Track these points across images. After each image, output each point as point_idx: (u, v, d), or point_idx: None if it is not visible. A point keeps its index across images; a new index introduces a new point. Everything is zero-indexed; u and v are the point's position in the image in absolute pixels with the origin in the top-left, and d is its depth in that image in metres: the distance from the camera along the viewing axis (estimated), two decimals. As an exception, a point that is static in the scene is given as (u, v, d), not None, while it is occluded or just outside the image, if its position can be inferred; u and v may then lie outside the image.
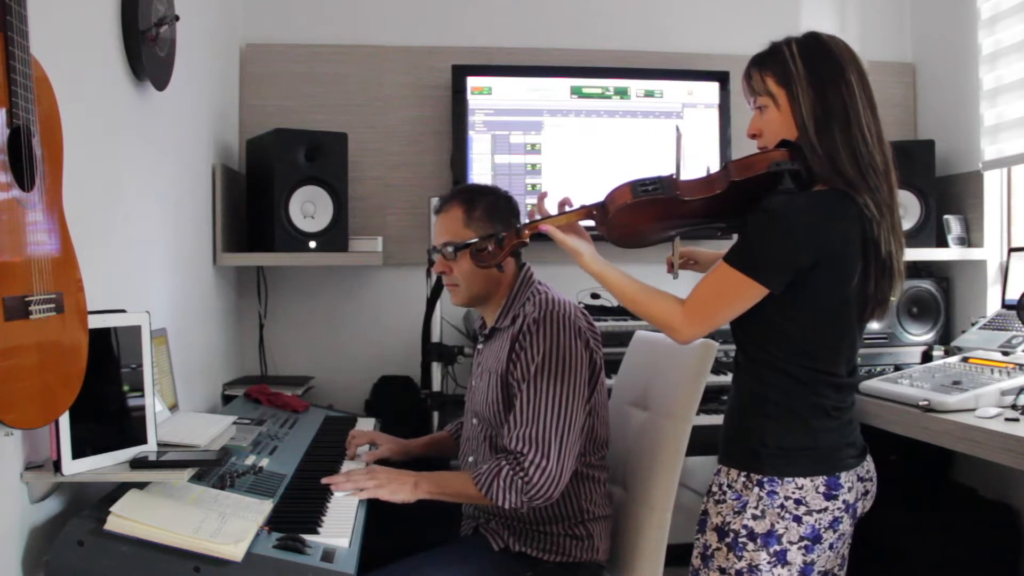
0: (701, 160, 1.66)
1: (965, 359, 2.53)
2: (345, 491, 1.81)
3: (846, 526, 1.58)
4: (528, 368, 1.86)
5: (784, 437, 1.55)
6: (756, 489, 1.54)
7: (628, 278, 1.65)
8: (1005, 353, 2.50)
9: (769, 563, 1.52)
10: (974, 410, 2.16)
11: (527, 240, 1.70)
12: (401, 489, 1.84)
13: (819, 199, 1.54)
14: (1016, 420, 2.05)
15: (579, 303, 1.99)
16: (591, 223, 1.69)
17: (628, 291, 1.63)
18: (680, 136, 1.75)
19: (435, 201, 2.87)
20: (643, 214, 1.63)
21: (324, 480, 1.84)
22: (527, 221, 1.71)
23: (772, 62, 1.59)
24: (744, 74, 1.64)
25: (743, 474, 1.57)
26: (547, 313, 1.88)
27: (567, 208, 1.70)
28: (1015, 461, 1.93)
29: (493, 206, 2.01)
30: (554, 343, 1.86)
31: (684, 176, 1.65)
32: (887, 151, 1.57)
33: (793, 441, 1.55)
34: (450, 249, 1.96)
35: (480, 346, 2.10)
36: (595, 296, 3.05)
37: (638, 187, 1.60)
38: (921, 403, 2.26)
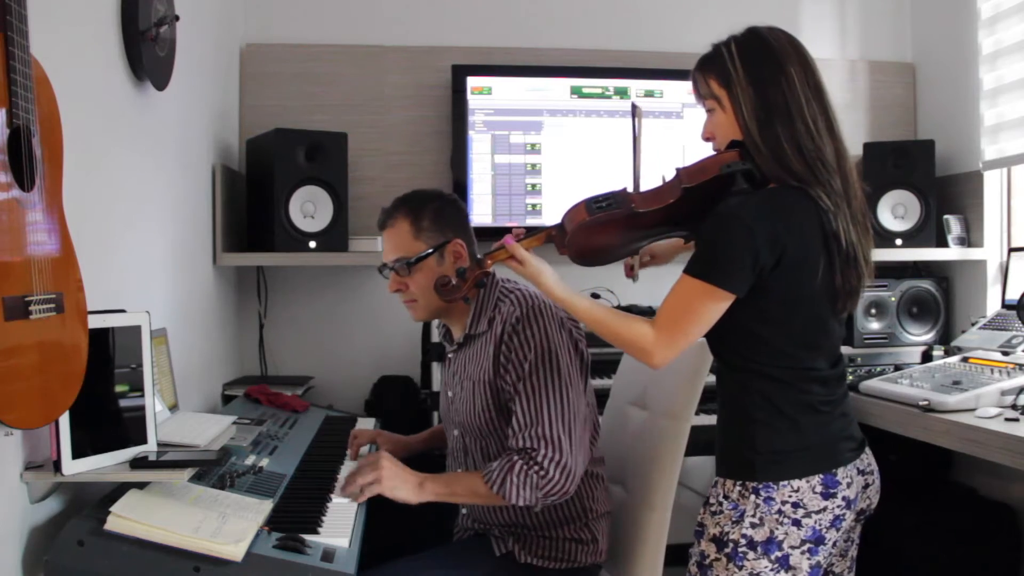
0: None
1: (965, 359, 2.53)
2: (349, 495, 1.77)
3: (849, 523, 1.56)
4: (521, 367, 1.80)
5: (774, 440, 1.53)
6: (752, 497, 1.52)
7: (593, 303, 1.62)
8: (1005, 353, 2.50)
9: (772, 570, 1.50)
10: (974, 410, 2.16)
11: (490, 270, 1.67)
12: (403, 487, 1.78)
13: (772, 196, 1.53)
14: (1016, 420, 2.05)
15: None
16: (552, 246, 1.66)
17: (596, 316, 1.59)
18: (638, 110, 1.73)
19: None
20: (601, 231, 1.61)
21: (336, 496, 1.78)
22: (489, 250, 1.67)
23: (713, 64, 1.58)
24: (691, 78, 1.63)
25: (738, 483, 1.54)
26: (529, 309, 1.83)
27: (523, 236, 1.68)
28: (1015, 461, 1.93)
29: (440, 212, 1.95)
30: (542, 338, 1.81)
31: (640, 185, 1.64)
32: (839, 140, 1.54)
33: (784, 443, 1.53)
34: (402, 265, 1.91)
35: (450, 356, 2.03)
36: (595, 295, 3.05)
37: (592, 204, 1.59)
38: (921, 403, 2.26)
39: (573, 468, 1.76)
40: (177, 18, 2.14)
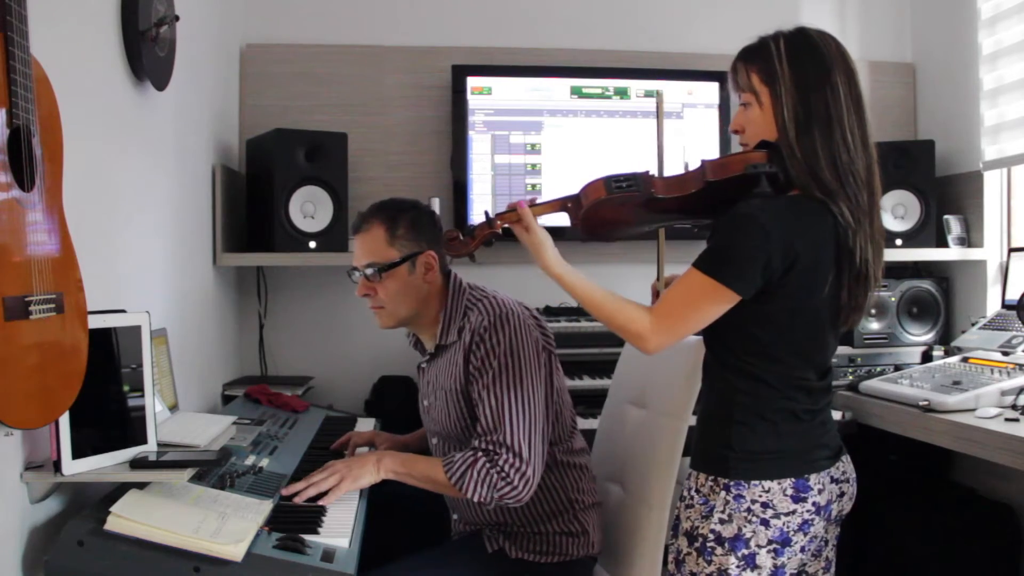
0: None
1: (965, 359, 2.53)
2: (308, 496, 1.74)
3: (819, 529, 1.55)
4: (486, 374, 1.82)
5: (751, 441, 1.53)
6: (723, 493, 1.52)
7: (591, 282, 1.60)
8: (1005, 353, 2.50)
9: (738, 567, 1.50)
10: (974, 410, 2.16)
11: (500, 230, 1.66)
12: (364, 473, 1.80)
13: (794, 204, 1.51)
14: (1016, 420, 2.05)
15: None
16: (564, 216, 1.66)
17: (593, 296, 1.58)
18: (660, 100, 1.75)
19: (436, 200, 2.88)
20: (616, 210, 1.61)
21: (284, 492, 1.75)
22: (501, 211, 1.67)
23: (758, 58, 1.55)
24: (731, 67, 1.60)
25: (710, 478, 1.54)
26: (497, 318, 1.85)
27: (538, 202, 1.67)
28: (1015, 461, 1.93)
29: (416, 222, 1.95)
30: (508, 347, 1.83)
31: (664, 170, 1.64)
32: (872, 154, 1.53)
33: (760, 445, 1.52)
34: (373, 271, 1.91)
35: (424, 365, 2.04)
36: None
37: (612, 183, 1.58)
38: (921, 403, 2.26)
39: (532, 477, 1.78)
40: (177, 18, 2.14)
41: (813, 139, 1.49)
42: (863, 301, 1.55)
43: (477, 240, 1.67)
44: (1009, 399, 2.17)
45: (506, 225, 1.66)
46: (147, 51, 2.00)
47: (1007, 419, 2.07)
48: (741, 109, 1.59)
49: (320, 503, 1.73)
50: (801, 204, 1.51)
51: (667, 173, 1.66)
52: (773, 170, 1.52)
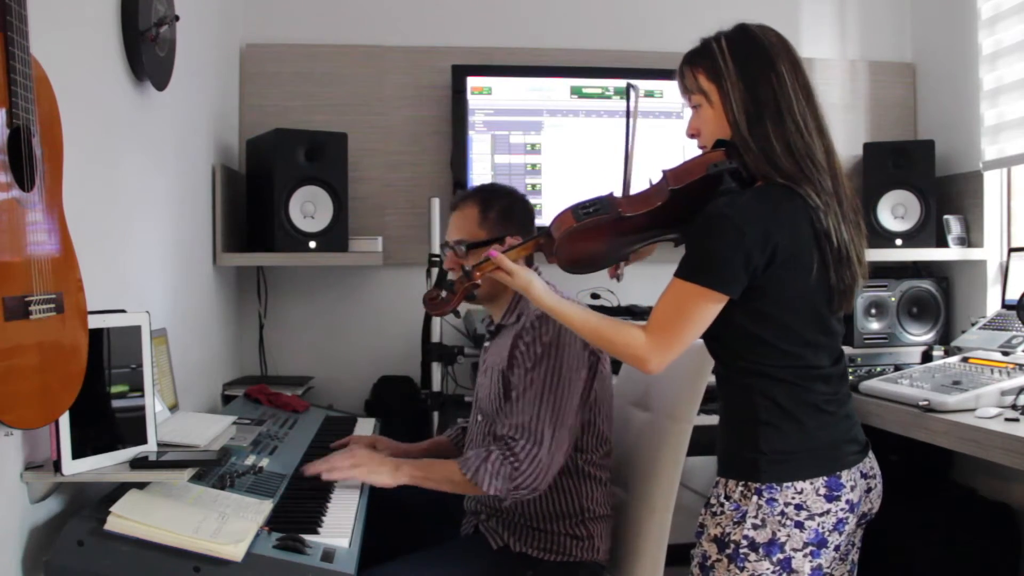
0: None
1: (965, 359, 2.53)
2: (326, 474, 1.82)
3: (852, 526, 1.54)
4: (527, 361, 1.86)
5: (779, 440, 1.51)
6: (755, 498, 1.50)
7: (584, 310, 1.62)
8: (1005, 353, 2.50)
9: (773, 572, 1.49)
10: (974, 410, 2.16)
11: (479, 282, 1.66)
12: (381, 471, 1.84)
13: (761, 195, 1.51)
14: (1016, 420, 2.05)
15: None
16: (541, 254, 1.66)
17: (588, 323, 1.58)
18: (633, 91, 1.73)
19: (436, 201, 2.89)
20: (589, 237, 1.60)
21: (308, 471, 1.84)
22: (477, 262, 1.67)
23: (702, 58, 1.57)
24: (678, 72, 1.62)
25: (741, 484, 1.52)
26: None
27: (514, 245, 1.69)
28: (1015, 461, 1.93)
29: (509, 209, 2.02)
30: (554, 339, 1.86)
31: (631, 181, 1.65)
32: (829, 139, 1.54)
33: (789, 443, 1.51)
34: (462, 248, 1.98)
35: (487, 343, 2.10)
36: (595, 296, 3.05)
37: (579, 211, 1.58)
38: (921, 403, 2.26)
39: (547, 466, 1.80)
40: (177, 18, 2.14)
41: (765, 129, 1.50)
42: (851, 283, 1.54)
43: (458, 296, 1.67)
44: (1009, 399, 2.17)
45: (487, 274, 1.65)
46: (147, 51, 2.00)
47: (1007, 419, 2.07)
48: (694, 112, 1.61)
49: (325, 478, 1.80)
50: (769, 193, 1.51)
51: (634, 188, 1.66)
52: (734, 166, 1.53)
